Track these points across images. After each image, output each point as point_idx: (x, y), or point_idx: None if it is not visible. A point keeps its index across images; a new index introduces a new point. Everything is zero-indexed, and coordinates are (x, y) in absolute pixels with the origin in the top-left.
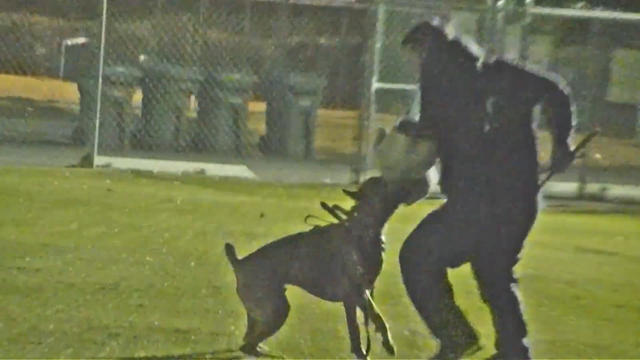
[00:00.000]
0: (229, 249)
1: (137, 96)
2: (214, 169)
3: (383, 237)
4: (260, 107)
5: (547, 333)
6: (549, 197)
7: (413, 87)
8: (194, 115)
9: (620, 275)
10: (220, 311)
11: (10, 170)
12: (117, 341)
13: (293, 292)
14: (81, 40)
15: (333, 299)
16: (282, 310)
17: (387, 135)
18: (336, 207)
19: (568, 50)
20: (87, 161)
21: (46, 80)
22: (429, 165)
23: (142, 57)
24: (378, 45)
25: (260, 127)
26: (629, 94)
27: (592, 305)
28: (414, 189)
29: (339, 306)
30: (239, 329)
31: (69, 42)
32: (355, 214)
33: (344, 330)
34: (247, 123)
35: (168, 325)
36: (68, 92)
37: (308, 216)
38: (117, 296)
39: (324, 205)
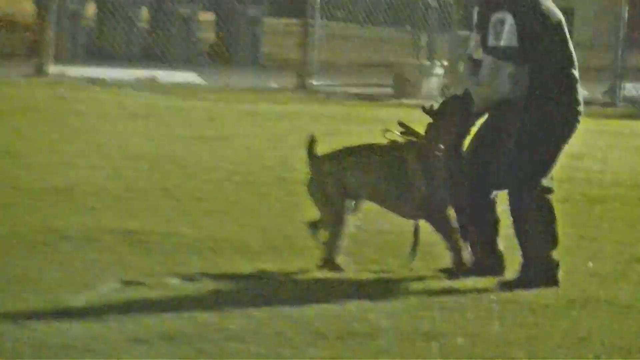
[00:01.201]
0: (312, 141)
1: (91, 8)
2: (165, 76)
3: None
4: (209, 16)
5: None
6: None
7: None
8: (145, 25)
9: None
10: (170, 212)
11: None
12: (69, 242)
13: None
14: None
15: (405, 216)
16: (342, 214)
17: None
18: (404, 125)
19: None
20: (42, 71)
21: None
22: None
23: None
24: None
25: (209, 36)
26: None
27: None
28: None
29: None
30: (190, 229)
31: None
32: (432, 133)
33: None
34: (197, 32)
35: (119, 226)
36: (24, 5)
37: (386, 130)
38: (70, 199)
39: (401, 124)
